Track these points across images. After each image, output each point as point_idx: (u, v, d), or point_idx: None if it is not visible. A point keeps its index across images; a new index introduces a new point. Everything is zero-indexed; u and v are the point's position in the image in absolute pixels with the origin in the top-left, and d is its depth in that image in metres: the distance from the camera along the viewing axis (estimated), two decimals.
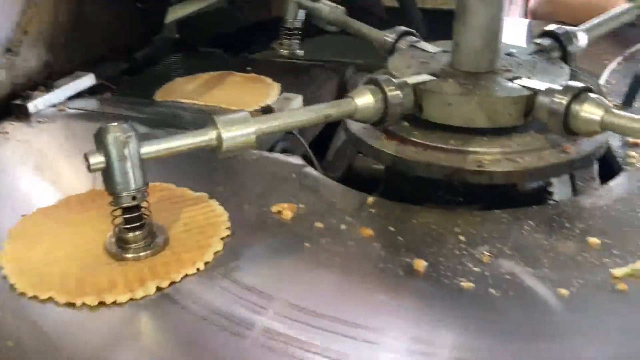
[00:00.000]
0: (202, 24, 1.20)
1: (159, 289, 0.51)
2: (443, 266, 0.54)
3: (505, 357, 0.45)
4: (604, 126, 0.58)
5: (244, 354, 0.46)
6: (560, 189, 0.73)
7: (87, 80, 0.92)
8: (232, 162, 0.70)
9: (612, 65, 0.98)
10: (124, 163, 0.52)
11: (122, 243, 0.55)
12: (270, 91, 0.91)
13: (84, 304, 0.50)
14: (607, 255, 0.54)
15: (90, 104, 0.88)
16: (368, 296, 0.52)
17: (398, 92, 0.64)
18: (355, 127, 0.72)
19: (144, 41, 1.09)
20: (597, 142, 0.66)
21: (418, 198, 0.70)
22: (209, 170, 0.70)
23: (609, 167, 0.72)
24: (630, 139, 0.76)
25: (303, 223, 0.60)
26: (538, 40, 0.78)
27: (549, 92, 0.62)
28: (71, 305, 0.50)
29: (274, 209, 0.62)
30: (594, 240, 0.55)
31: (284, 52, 1.04)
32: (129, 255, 0.55)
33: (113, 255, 0.55)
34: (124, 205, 0.53)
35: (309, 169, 0.70)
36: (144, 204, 0.54)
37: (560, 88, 0.61)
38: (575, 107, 0.59)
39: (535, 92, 0.64)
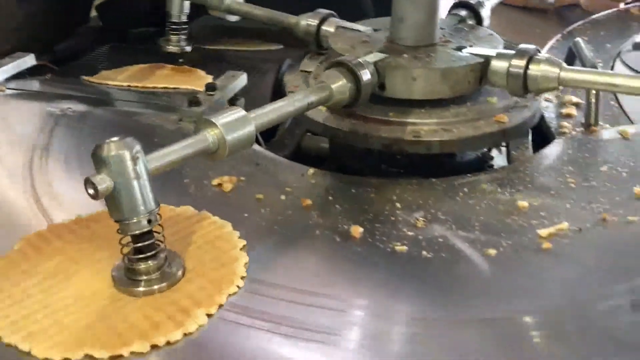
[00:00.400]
0: (125, 4, 1.10)
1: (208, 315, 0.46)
2: (378, 232, 0.55)
3: (438, 313, 0.47)
4: (561, 82, 0.62)
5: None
6: (498, 159, 0.76)
7: (28, 61, 0.90)
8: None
9: (551, 42, 1.01)
10: (134, 183, 0.45)
11: (134, 275, 0.48)
12: (202, 82, 0.85)
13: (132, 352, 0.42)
14: (534, 217, 0.56)
15: (30, 84, 0.86)
16: (305, 261, 0.53)
17: (367, 71, 0.64)
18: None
19: (66, 32, 1.02)
20: (530, 112, 0.69)
21: (361, 171, 0.71)
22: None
23: (544, 137, 0.75)
24: (564, 110, 0.79)
25: (243, 195, 0.61)
26: (455, 12, 0.81)
27: (503, 56, 0.65)
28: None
29: (215, 182, 0.62)
30: (523, 204, 0.58)
31: (171, 49, 0.95)
32: (144, 289, 0.48)
33: (128, 292, 0.48)
34: (137, 232, 0.46)
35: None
36: (157, 228, 0.47)
37: (513, 52, 0.64)
38: (533, 67, 0.63)
39: (488, 59, 0.66)
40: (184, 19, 0.95)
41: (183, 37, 0.96)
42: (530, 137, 0.74)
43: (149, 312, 0.46)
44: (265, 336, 0.44)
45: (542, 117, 0.77)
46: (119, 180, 0.45)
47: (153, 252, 0.47)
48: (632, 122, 0.75)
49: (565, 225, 0.54)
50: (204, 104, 0.77)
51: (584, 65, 0.78)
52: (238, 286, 0.48)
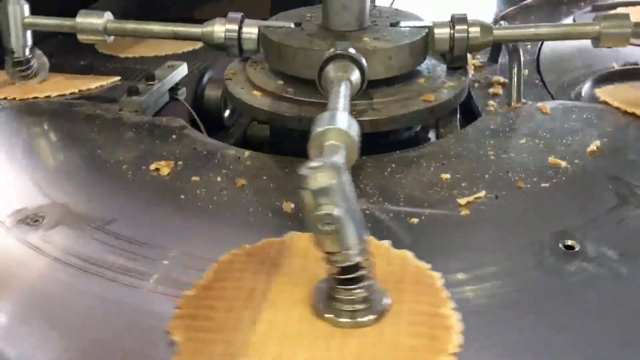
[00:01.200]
0: None
1: None
2: None
3: None
4: (497, 39, 0.72)
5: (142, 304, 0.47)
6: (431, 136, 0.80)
7: None
8: (113, 130, 0.72)
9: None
10: (351, 212, 0.41)
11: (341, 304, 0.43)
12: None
13: None
14: (456, 188, 0.60)
15: None
16: (238, 237, 0.55)
17: (364, 59, 0.64)
18: (235, 89, 0.75)
19: None
20: (456, 92, 0.73)
21: (301, 153, 0.73)
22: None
23: (472, 115, 0.78)
24: (491, 90, 0.83)
25: (180, 178, 0.63)
26: None
27: (443, 24, 0.72)
28: None
29: (152, 167, 0.64)
30: (445, 176, 0.61)
31: (18, 82, 0.83)
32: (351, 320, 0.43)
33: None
34: (348, 263, 0.41)
35: (189, 130, 0.72)
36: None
37: (449, 20, 0.72)
38: (472, 30, 0.71)
39: (430, 28, 0.72)
40: (27, 54, 0.83)
41: (29, 72, 0.83)
42: (458, 116, 0.78)
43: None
44: None
45: (471, 97, 0.82)
46: (344, 207, 0.40)
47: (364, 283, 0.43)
48: (553, 99, 0.80)
49: (482, 193, 0.58)
50: (143, 93, 0.78)
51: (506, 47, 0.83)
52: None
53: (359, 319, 0.43)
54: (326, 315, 0.43)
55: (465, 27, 0.72)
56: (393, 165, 0.64)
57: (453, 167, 0.63)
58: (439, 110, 0.71)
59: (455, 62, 0.76)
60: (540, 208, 0.56)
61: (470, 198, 0.58)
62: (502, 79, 0.84)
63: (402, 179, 0.62)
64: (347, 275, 0.42)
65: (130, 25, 0.79)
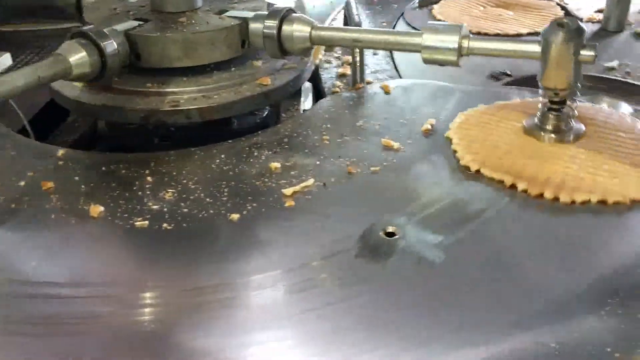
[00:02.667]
0: None
1: None
2: (121, 209, 0.52)
3: (183, 280, 0.45)
4: (313, 41, 0.63)
5: None
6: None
7: None
8: None
9: (340, 7, 1.02)
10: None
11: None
12: None
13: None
14: (284, 177, 0.56)
15: None
16: (41, 248, 0.49)
17: (113, 42, 0.60)
18: (58, 83, 0.67)
19: None
20: (294, 74, 0.69)
21: (137, 147, 0.68)
22: None
23: (320, 97, 0.75)
24: (340, 70, 0.80)
25: None
26: None
27: (259, 18, 0.64)
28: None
29: None
30: (275, 165, 0.58)
31: None
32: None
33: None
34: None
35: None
36: None
37: (267, 13, 0.64)
38: (286, 27, 0.63)
39: (246, 21, 0.65)
40: None
41: None
42: (302, 98, 0.74)
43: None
44: None
45: (319, 78, 0.79)
46: None
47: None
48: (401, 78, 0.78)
49: (310, 182, 0.55)
50: None
51: (351, 24, 0.80)
52: None
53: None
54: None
55: (276, 23, 0.63)
56: (222, 156, 0.60)
57: (284, 154, 0.59)
58: (275, 95, 0.67)
59: None
60: (366, 194, 0.54)
61: (297, 187, 0.54)
62: (352, 59, 0.82)
63: (229, 171, 0.57)
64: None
65: None
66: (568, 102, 0.58)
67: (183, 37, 0.64)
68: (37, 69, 0.56)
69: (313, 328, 0.41)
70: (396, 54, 0.84)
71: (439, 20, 0.94)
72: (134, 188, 0.55)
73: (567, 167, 0.55)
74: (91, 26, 0.63)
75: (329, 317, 0.42)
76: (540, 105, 0.59)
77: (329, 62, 0.83)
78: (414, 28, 0.94)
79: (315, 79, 0.79)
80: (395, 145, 0.60)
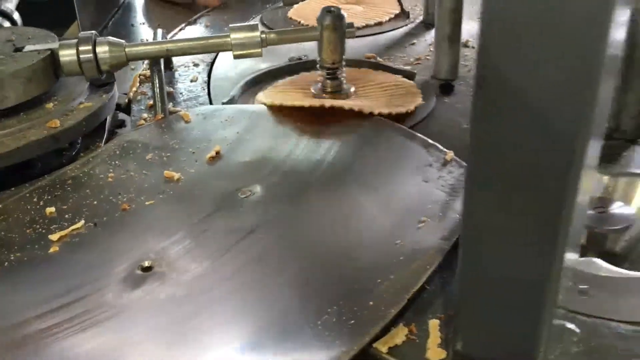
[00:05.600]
0: None
1: None
2: None
3: None
4: (129, 57, 0.71)
5: None
6: None
7: None
8: None
9: (177, 29, 1.04)
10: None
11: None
12: None
13: None
14: (58, 222, 0.56)
15: None
16: None
17: None
18: None
19: None
20: (86, 113, 0.69)
21: None
22: None
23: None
24: (149, 102, 0.81)
25: None
26: None
27: (68, 46, 0.68)
28: None
29: None
30: (50, 210, 0.57)
31: None
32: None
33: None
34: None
35: None
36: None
37: (76, 40, 0.69)
38: (100, 49, 0.69)
39: (54, 51, 0.68)
40: None
41: None
42: (107, 135, 0.74)
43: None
44: None
45: (130, 111, 0.79)
46: None
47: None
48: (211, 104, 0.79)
49: (81, 223, 0.55)
50: None
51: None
52: None
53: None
54: None
55: (90, 47, 0.68)
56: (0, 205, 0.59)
57: (63, 198, 0.59)
58: (66, 136, 0.67)
59: (97, 79, 0.73)
60: (133, 230, 0.55)
61: (65, 231, 0.54)
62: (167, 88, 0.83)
63: (2, 221, 0.57)
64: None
65: None
66: (338, 71, 0.74)
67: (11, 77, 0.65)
68: None
69: None
70: (213, 79, 0.85)
71: (296, 21, 1.04)
72: None
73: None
74: None
75: None
76: (320, 76, 0.75)
77: (144, 93, 0.83)
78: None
79: (128, 111, 0.79)
80: (176, 176, 0.61)
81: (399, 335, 0.43)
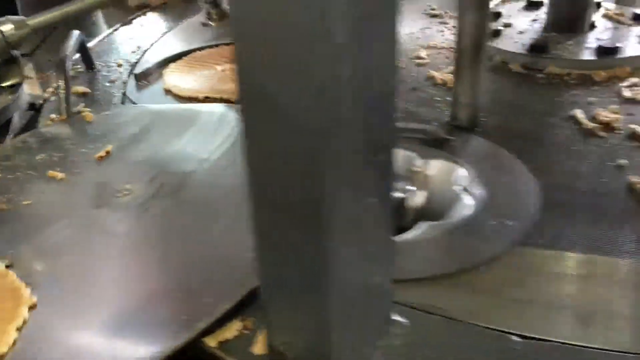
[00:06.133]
0: None
1: None
2: None
3: None
4: (33, 27, 0.78)
5: None
6: None
7: None
8: None
9: (109, 31, 1.04)
10: None
11: None
12: None
13: None
14: None
15: None
16: None
17: None
18: None
19: None
20: None
21: None
22: None
23: None
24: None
25: None
26: None
27: None
28: None
29: None
30: None
31: None
32: None
33: None
34: None
35: None
36: None
37: None
38: (4, 28, 0.75)
39: None
40: None
41: None
42: (10, 136, 0.75)
43: None
44: None
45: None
46: None
47: None
48: (133, 103, 0.80)
49: None
50: None
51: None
52: None
53: None
54: None
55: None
56: None
57: None
58: None
59: (4, 78, 0.74)
60: (2, 231, 0.55)
61: None
62: (81, 89, 0.83)
63: None
64: None
65: None
66: None
67: None
68: None
69: None
70: (132, 79, 0.86)
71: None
72: None
73: None
74: None
75: None
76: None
77: (56, 94, 0.83)
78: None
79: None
80: (60, 175, 0.61)
81: (231, 330, 0.43)
